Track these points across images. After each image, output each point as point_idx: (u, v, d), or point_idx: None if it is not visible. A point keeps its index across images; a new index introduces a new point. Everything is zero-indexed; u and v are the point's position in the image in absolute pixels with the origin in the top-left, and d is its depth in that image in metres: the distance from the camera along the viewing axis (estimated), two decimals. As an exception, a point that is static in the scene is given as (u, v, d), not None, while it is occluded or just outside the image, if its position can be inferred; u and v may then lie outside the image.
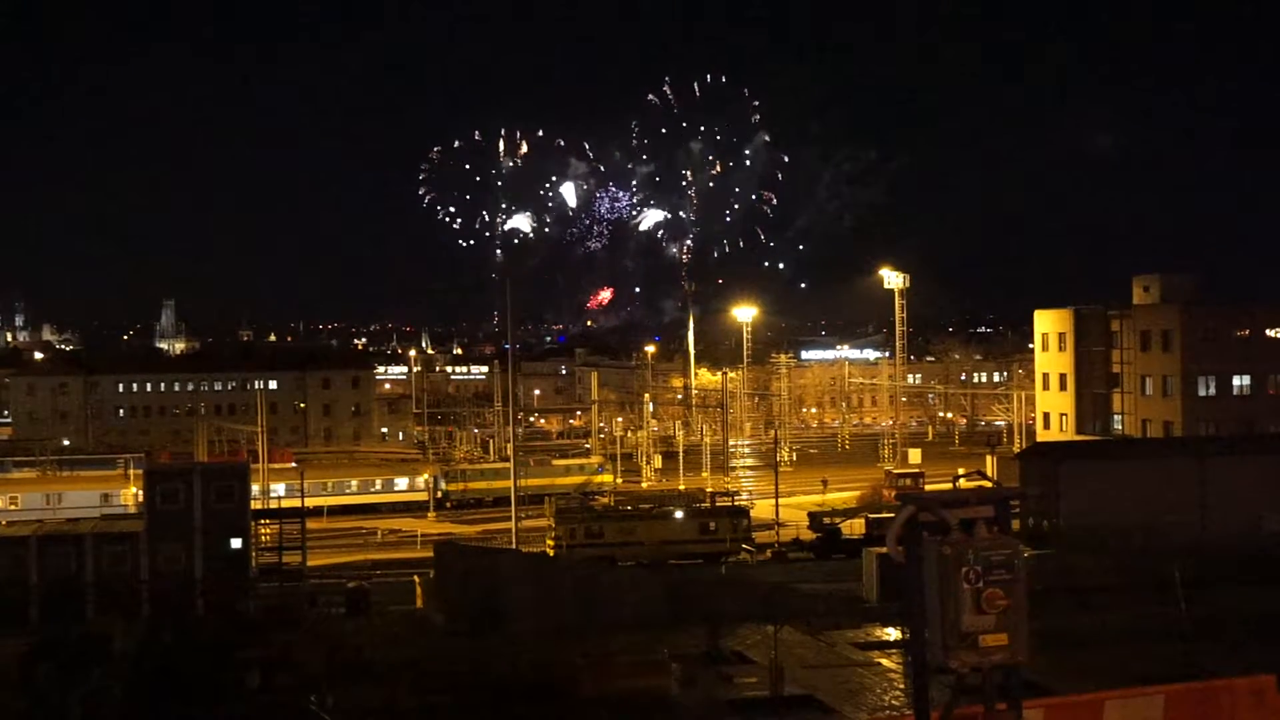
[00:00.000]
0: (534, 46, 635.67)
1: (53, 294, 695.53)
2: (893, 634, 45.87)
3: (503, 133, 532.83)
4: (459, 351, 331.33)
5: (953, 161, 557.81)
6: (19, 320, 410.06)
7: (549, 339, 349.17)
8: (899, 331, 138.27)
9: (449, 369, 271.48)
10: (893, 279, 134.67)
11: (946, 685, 13.95)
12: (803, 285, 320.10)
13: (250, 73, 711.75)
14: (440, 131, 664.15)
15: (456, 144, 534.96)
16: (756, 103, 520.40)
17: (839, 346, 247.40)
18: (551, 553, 76.84)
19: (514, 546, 79.09)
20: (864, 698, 37.81)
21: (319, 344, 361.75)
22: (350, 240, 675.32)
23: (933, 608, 13.57)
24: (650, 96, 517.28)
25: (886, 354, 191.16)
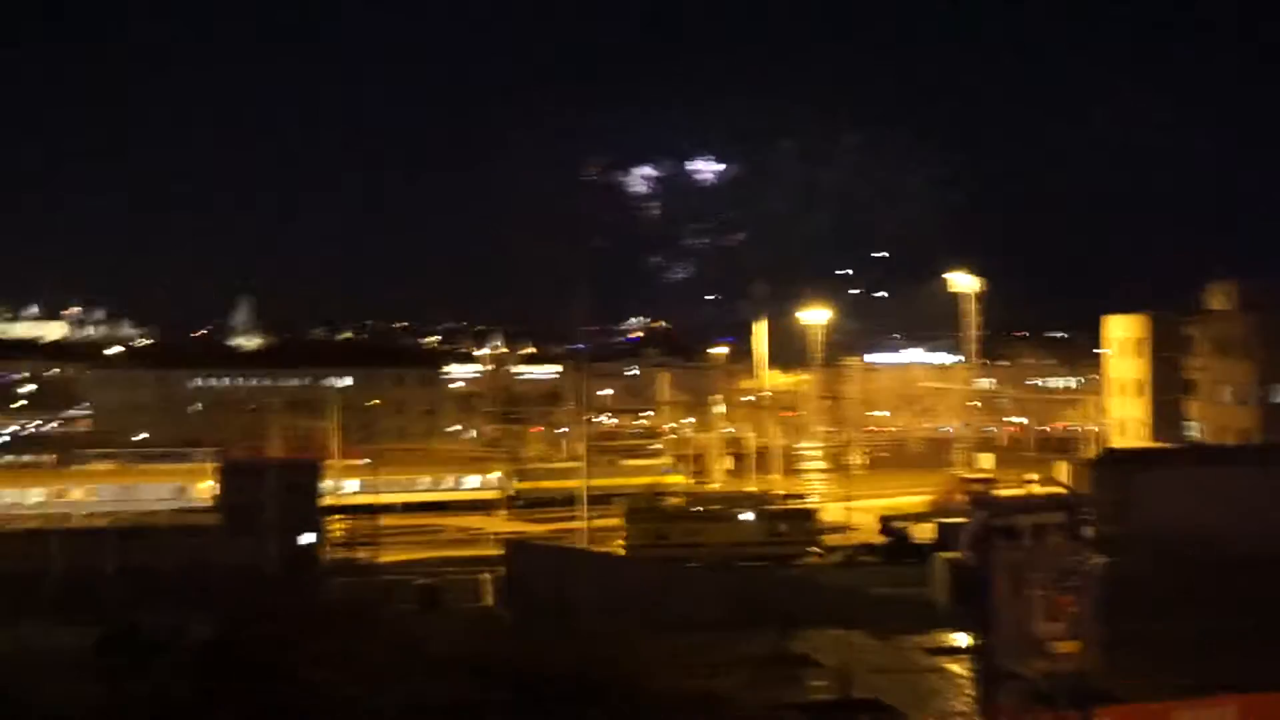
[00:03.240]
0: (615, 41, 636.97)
1: (132, 289, 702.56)
2: (963, 640, 45.61)
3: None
4: (532, 350, 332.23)
5: (1030, 168, 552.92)
6: (98, 315, 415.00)
7: (620, 339, 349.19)
8: (971, 335, 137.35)
9: (521, 368, 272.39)
10: (964, 281, 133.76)
11: (1017, 692, 13.91)
12: (882, 294, 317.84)
13: (333, 63, 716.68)
14: (527, 125, 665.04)
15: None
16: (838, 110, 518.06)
17: (910, 350, 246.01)
18: (621, 553, 76.96)
19: (583, 546, 79.28)
20: (933, 703, 37.65)
21: (393, 341, 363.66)
22: (431, 237, 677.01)
23: (1004, 614, 13.54)
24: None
25: (959, 358, 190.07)
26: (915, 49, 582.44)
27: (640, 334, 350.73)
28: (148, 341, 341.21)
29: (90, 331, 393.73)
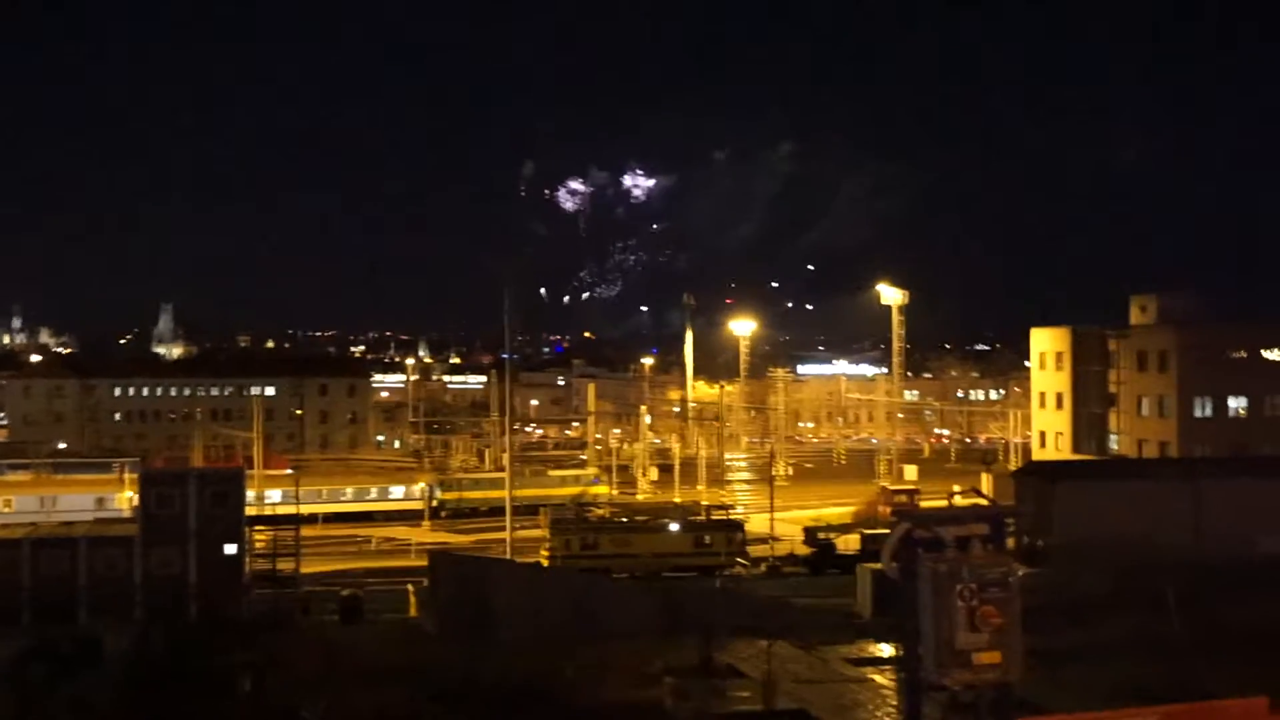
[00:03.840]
0: (548, 45, 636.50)
1: (50, 297, 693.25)
2: (886, 650, 45.82)
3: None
4: (457, 360, 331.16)
5: (953, 180, 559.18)
6: (16, 323, 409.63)
7: (546, 350, 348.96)
8: (896, 348, 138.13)
9: (446, 378, 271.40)
10: (891, 294, 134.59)
11: (939, 703, 13.94)
12: (808, 306, 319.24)
13: (248, 71, 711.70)
14: (451, 130, 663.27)
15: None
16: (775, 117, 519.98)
17: (836, 361, 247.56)
18: (546, 563, 76.74)
19: (508, 556, 78.99)
20: (856, 714, 37.79)
21: (316, 351, 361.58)
22: (351, 246, 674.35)
23: (927, 625, 13.56)
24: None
25: (884, 370, 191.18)
26: (846, 62, 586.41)
27: (566, 344, 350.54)
28: (67, 351, 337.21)
29: (7, 339, 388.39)
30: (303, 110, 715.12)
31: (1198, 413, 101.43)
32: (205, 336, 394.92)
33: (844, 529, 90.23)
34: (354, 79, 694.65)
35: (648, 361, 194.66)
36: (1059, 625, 45.02)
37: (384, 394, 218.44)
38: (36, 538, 62.35)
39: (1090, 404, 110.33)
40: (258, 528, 68.06)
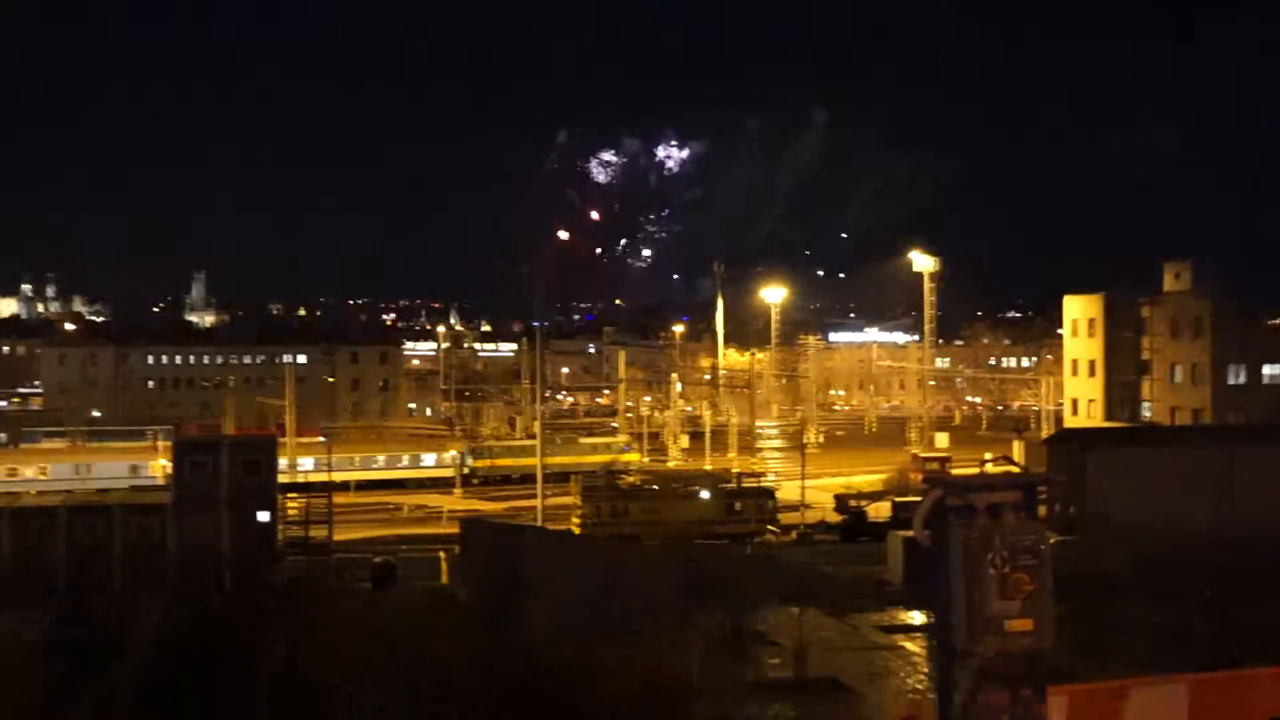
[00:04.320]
0: (583, 27, 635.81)
1: (84, 265, 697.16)
2: (917, 618, 45.83)
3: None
4: (488, 328, 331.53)
5: (987, 151, 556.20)
6: (50, 291, 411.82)
7: (577, 317, 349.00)
8: (928, 315, 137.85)
9: (477, 346, 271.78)
10: (923, 262, 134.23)
11: (971, 670, 13.91)
12: (841, 275, 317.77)
13: (290, 40, 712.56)
14: (487, 105, 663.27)
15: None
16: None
17: (868, 329, 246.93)
18: (577, 530, 76.93)
19: (539, 524, 79.21)
20: (887, 681, 37.81)
21: (349, 319, 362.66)
22: (387, 214, 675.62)
23: (958, 592, 13.53)
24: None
25: (915, 338, 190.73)
26: (882, 45, 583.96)
27: (597, 311, 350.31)
28: (101, 319, 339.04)
29: (42, 308, 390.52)
30: (336, 80, 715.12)
31: (1231, 380, 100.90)
32: (238, 305, 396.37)
33: (875, 496, 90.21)
34: (389, 52, 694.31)
35: (679, 329, 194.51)
36: (1091, 594, 44.90)
37: (415, 362, 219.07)
38: (72, 505, 62.79)
39: (1123, 371, 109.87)
40: (290, 495, 68.39)
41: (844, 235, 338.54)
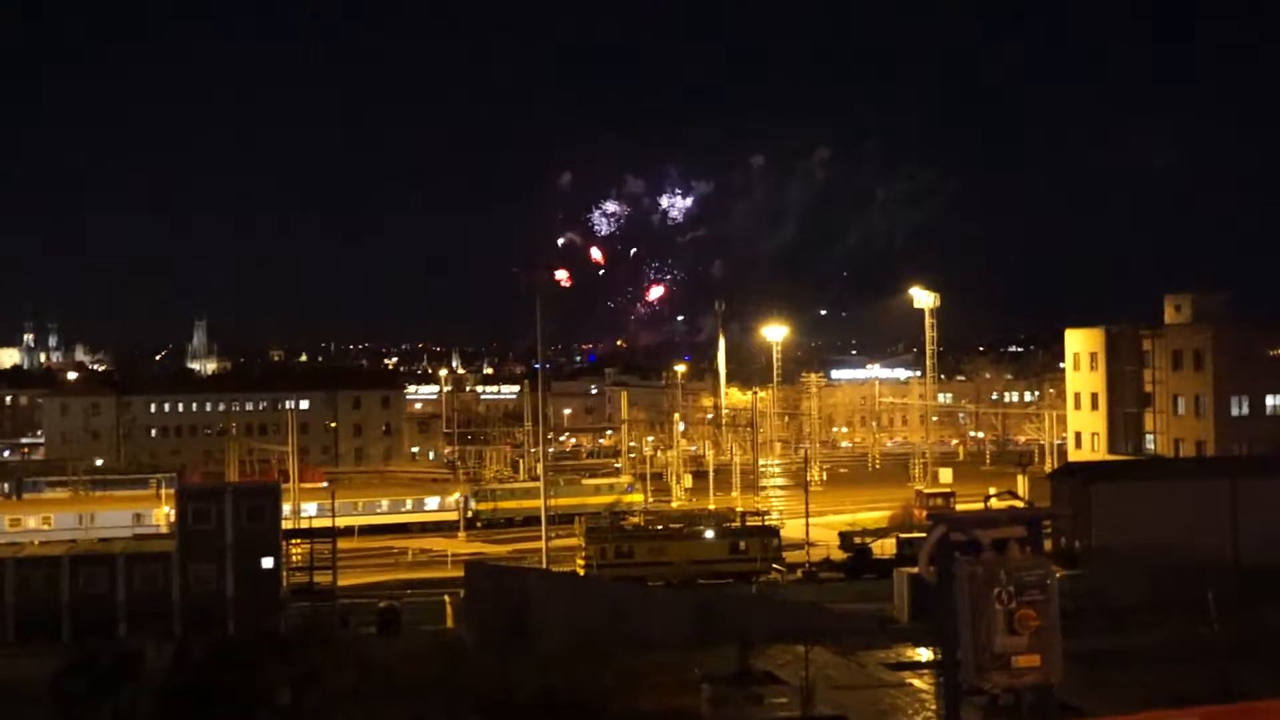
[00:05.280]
0: (588, 55, 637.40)
1: (86, 315, 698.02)
2: (925, 654, 45.68)
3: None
4: (489, 371, 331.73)
5: (987, 184, 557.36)
6: (52, 341, 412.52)
7: (579, 359, 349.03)
8: (929, 350, 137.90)
9: (479, 388, 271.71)
10: (923, 298, 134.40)
11: (979, 706, 13.88)
12: (843, 314, 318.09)
13: (288, 80, 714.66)
14: (487, 144, 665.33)
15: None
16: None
17: (869, 365, 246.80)
18: (582, 572, 76.78)
19: (544, 566, 79.07)
20: (895, 718, 37.65)
21: (350, 363, 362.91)
22: (386, 259, 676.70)
23: (965, 628, 13.50)
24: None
25: (917, 373, 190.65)
26: (879, 69, 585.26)
27: (598, 351, 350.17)
28: (103, 368, 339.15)
29: (44, 358, 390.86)
30: (337, 119, 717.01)
31: (1234, 411, 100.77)
32: (239, 352, 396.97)
33: (880, 533, 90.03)
34: (390, 89, 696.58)
35: (680, 369, 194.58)
36: (1098, 628, 44.83)
37: (418, 405, 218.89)
38: (75, 554, 62.76)
39: (1125, 404, 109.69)
40: (294, 541, 68.31)
41: (844, 273, 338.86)
